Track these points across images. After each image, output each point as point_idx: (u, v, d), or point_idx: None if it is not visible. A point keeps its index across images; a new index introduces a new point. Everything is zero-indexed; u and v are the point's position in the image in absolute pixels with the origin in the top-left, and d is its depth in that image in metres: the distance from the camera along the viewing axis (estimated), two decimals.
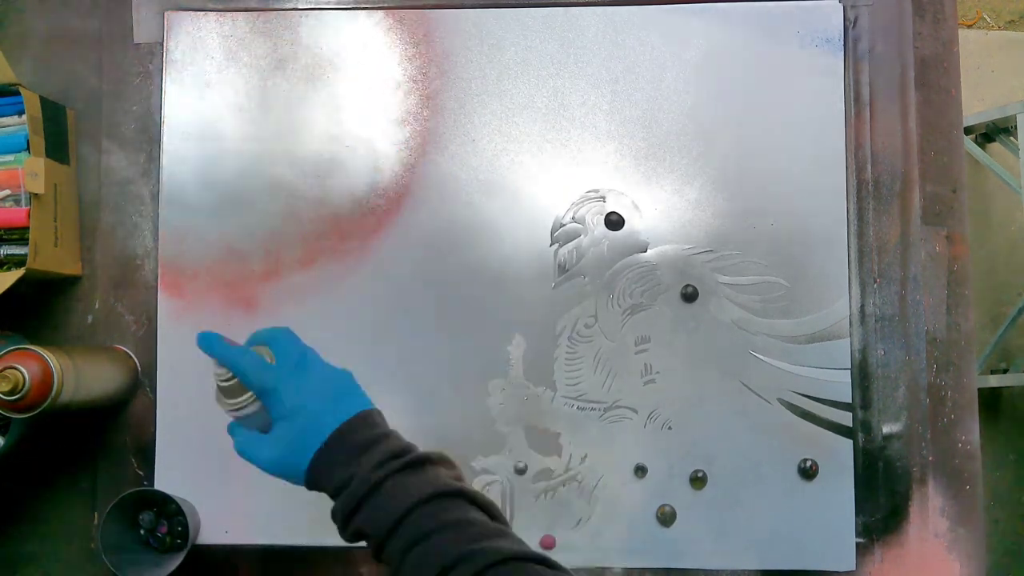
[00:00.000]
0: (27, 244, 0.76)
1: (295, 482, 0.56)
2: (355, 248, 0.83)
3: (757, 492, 0.80)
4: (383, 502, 0.52)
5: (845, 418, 0.80)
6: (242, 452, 0.57)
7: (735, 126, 0.83)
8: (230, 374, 0.56)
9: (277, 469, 0.56)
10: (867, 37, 0.84)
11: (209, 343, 0.57)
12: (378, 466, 0.53)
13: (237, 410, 0.57)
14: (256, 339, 0.59)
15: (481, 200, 0.84)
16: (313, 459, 0.54)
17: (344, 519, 0.53)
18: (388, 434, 0.56)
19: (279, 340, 0.58)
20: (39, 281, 0.80)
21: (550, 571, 0.49)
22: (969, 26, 1.91)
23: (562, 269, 0.83)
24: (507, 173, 0.84)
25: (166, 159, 0.85)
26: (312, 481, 0.55)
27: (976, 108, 1.74)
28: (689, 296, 0.82)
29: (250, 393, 0.57)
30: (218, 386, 0.57)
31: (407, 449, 0.55)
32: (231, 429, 0.58)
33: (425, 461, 0.54)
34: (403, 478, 0.53)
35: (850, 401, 0.81)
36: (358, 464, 0.53)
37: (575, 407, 0.81)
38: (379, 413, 0.58)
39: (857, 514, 0.80)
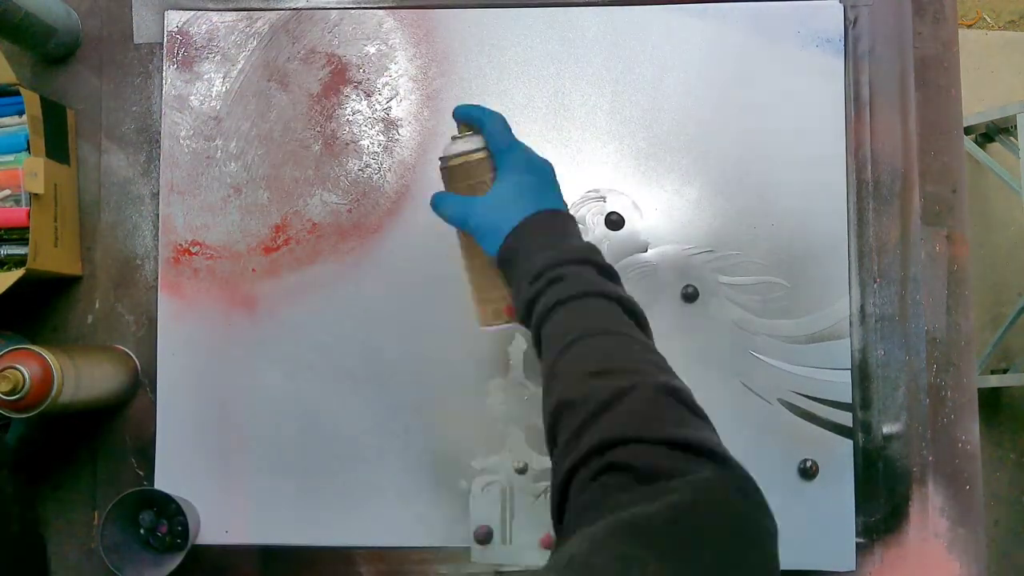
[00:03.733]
0: (27, 244, 0.76)
1: (492, 240, 0.60)
2: (355, 248, 0.83)
3: None
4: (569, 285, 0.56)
5: (845, 418, 0.80)
6: (451, 215, 0.64)
7: (735, 126, 0.83)
8: (481, 147, 0.63)
9: (484, 223, 0.61)
10: (867, 37, 0.84)
11: (466, 113, 0.64)
12: (577, 262, 0.57)
13: (474, 184, 0.63)
14: (469, 115, 0.65)
15: None
16: (522, 223, 0.59)
17: (535, 288, 0.57)
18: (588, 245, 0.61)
19: (497, 121, 0.64)
20: (39, 281, 0.80)
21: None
22: (969, 26, 1.91)
23: None
24: None
25: (166, 159, 0.85)
26: (509, 244, 0.59)
27: (976, 108, 1.74)
28: (689, 296, 0.82)
29: (492, 173, 0.62)
30: (458, 165, 0.63)
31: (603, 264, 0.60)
32: (437, 200, 0.65)
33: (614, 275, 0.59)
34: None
35: (850, 401, 0.81)
36: (562, 247, 0.58)
37: None
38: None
39: (857, 514, 0.80)
